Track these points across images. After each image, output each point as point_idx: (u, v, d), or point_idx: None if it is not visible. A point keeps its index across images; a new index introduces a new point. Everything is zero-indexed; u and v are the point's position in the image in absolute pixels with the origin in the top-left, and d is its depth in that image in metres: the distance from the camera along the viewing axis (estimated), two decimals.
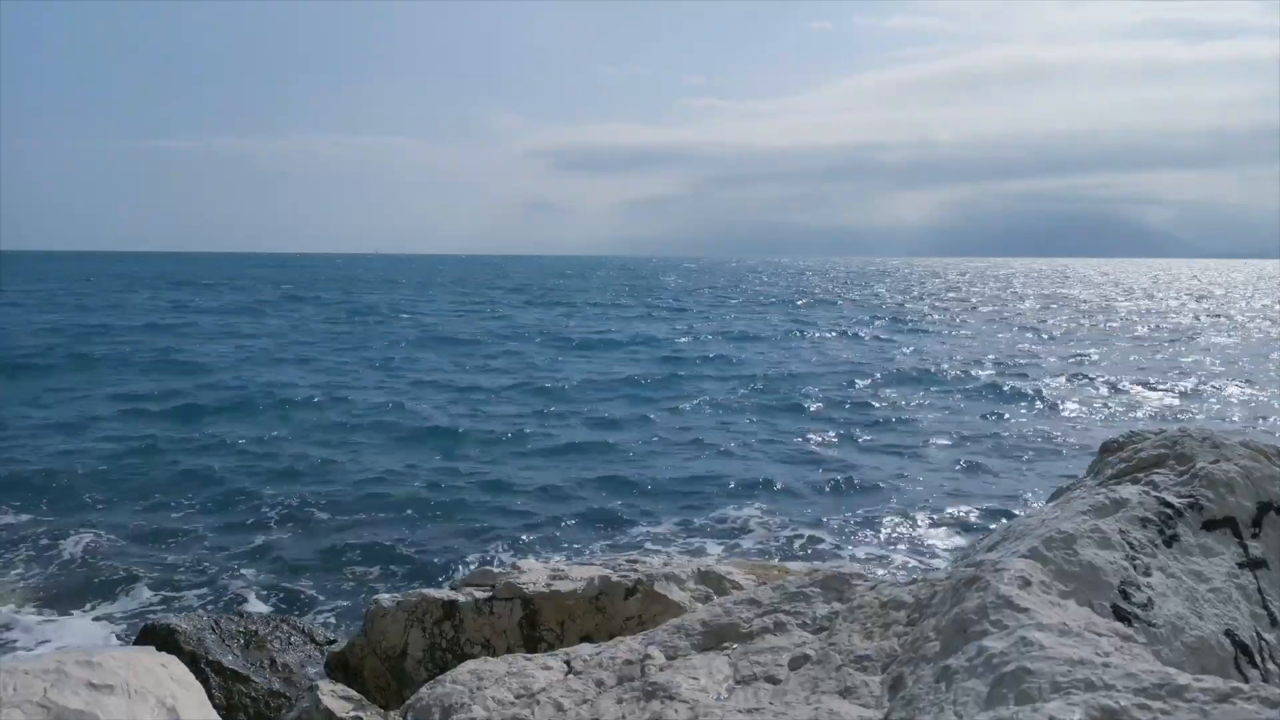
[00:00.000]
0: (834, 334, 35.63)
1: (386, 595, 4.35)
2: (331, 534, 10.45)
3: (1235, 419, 17.72)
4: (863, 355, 28.51)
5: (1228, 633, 2.48)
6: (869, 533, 10.63)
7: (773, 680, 2.61)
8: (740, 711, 2.46)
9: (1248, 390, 21.29)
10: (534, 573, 4.25)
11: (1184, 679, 1.82)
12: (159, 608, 8.17)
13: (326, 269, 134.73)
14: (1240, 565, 2.70)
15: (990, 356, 27.87)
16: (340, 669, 4.25)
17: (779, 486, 12.56)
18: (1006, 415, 17.97)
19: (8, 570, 8.98)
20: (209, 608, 8.13)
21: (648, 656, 2.91)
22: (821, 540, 10.33)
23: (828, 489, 12.52)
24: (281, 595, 8.66)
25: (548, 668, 3.00)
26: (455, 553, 9.86)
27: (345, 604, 8.45)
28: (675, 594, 3.97)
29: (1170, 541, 2.68)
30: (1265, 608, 2.63)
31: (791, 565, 4.49)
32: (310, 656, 5.02)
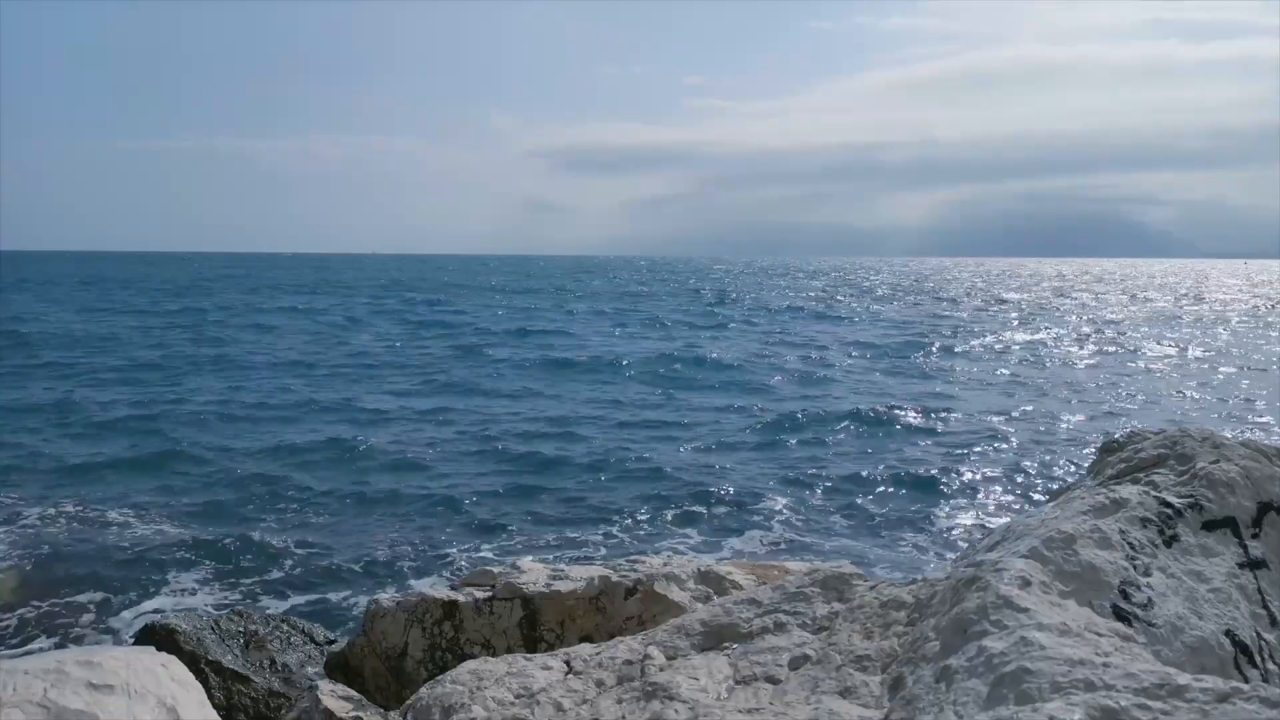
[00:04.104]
0: (834, 339, 35.65)
1: (386, 595, 4.35)
2: (331, 534, 10.46)
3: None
4: (871, 356, 28.53)
5: (1228, 633, 2.47)
6: (869, 532, 10.63)
7: (773, 680, 2.61)
8: (740, 711, 2.46)
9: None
10: (534, 573, 4.24)
11: (1184, 679, 1.82)
12: (159, 608, 8.17)
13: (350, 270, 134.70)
14: (1240, 565, 2.70)
15: (1004, 362, 27.86)
16: (340, 669, 4.25)
17: (780, 487, 12.56)
18: (1007, 414, 17.97)
19: (6, 570, 8.98)
20: (209, 608, 8.13)
21: (648, 656, 2.91)
22: (821, 540, 10.33)
23: (829, 489, 12.52)
24: (282, 595, 8.66)
25: (548, 668, 3.00)
26: (455, 553, 9.86)
27: (345, 604, 8.45)
28: (675, 594, 3.96)
29: (1170, 542, 2.68)
30: (1265, 608, 2.62)
31: (791, 565, 4.48)
32: (310, 656, 5.01)
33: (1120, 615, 2.39)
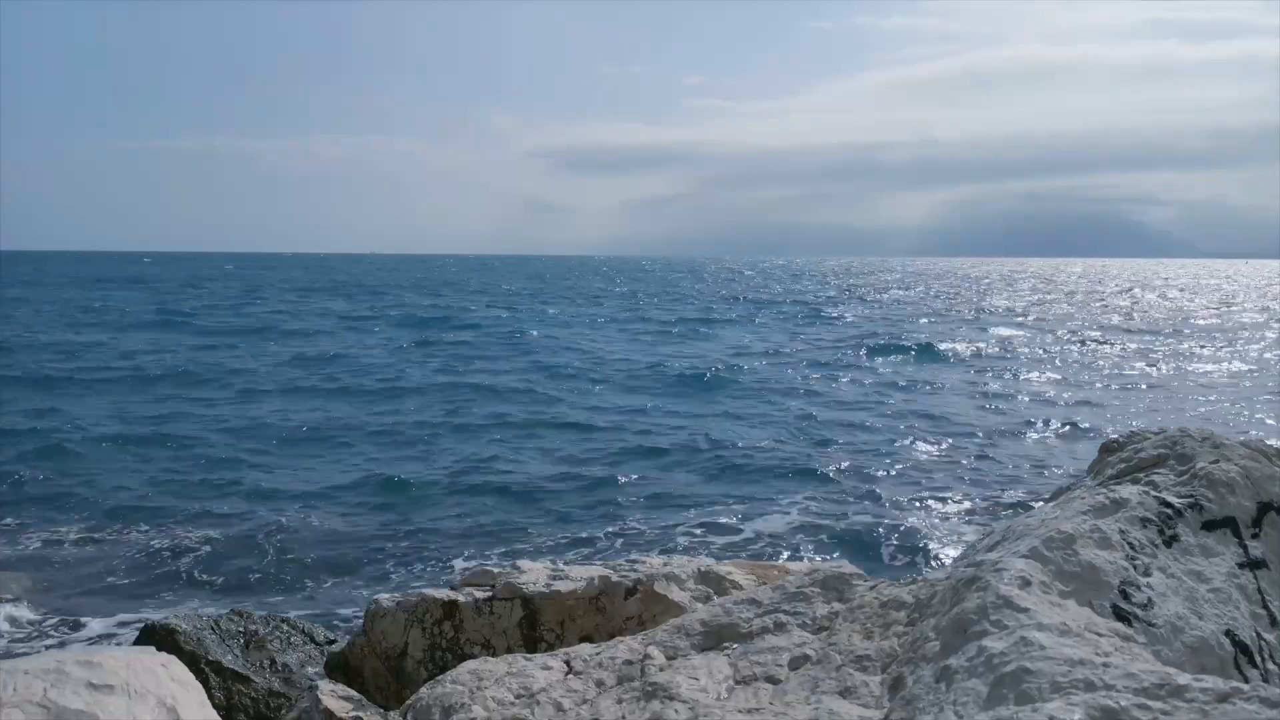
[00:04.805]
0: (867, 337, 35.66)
1: (386, 595, 4.35)
2: (331, 534, 10.45)
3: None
4: (863, 358, 28.54)
5: (1228, 633, 2.47)
6: (869, 532, 10.63)
7: (773, 680, 2.61)
8: (740, 711, 2.46)
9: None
10: (534, 573, 4.24)
11: (1184, 679, 1.82)
12: (159, 608, 8.17)
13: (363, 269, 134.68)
14: (1240, 565, 2.70)
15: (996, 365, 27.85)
16: (340, 669, 4.25)
17: (781, 487, 12.56)
18: (1009, 414, 17.97)
19: (7, 571, 8.98)
20: (209, 608, 8.13)
21: (648, 656, 2.91)
22: (821, 540, 10.33)
23: (830, 489, 12.52)
24: (282, 595, 8.66)
25: (548, 668, 3.00)
26: (455, 553, 9.86)
27: (345, 604, 8.45)
28: (675, 594, 3.96)
29: (1170, 542, 2.68)
30: (1265, 608, 2.62)
31: (791, 565, 4.48)
32: (310, 656, 5.01)
33: (1120, 615, 2.39)
